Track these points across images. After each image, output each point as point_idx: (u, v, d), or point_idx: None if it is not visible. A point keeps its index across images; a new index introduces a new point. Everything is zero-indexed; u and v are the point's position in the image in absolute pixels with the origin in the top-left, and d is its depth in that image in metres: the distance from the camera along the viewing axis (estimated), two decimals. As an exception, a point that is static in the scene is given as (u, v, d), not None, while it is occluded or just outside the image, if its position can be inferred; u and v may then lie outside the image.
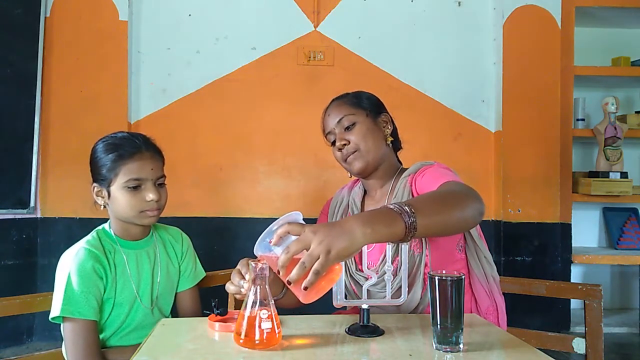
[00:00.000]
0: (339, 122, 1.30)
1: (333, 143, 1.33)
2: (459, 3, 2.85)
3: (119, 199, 1.20)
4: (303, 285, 0.85)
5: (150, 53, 2.73)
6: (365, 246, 0.91)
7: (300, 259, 0.84)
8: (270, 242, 0.90)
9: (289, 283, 0.86)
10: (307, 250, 0.83)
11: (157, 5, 2.73)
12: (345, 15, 2.79)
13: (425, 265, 1.19)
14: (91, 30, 2.65)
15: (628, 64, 2.91)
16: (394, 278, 1.13)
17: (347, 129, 1.29)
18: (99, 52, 2.64)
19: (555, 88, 2.78)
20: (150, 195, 1.20)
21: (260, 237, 0.92)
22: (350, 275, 1.28)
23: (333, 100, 1.37)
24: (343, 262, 0.92)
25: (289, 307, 1.22)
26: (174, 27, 2.74)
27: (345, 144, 1.29)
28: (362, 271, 1.13)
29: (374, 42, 2.80)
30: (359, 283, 1.25)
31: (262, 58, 2.76)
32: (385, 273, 1.05)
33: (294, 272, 0.83)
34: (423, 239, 1.20)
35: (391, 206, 0.91)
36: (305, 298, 0.89)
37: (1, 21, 2.48)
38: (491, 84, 2.84)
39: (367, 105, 1.33)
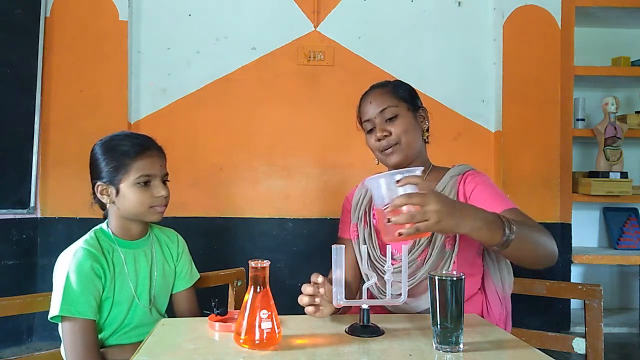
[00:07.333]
0: (381, 112, 1.29)
1: (370, 131, 1.32)
2: (459, 3, 2.85)
3: (128, 196, 1.21)
4: (402, 233, 0.92)
5: (150, 53, 2.73)
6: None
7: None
8: (397, 182, 0.95)
9: (388, 221, 0.92)
10: (422, 207, 0.90)
11: (157, 5, 2.73)
12: (345, 15, 2.78)
13: (453, 263, 1.19)
14: (91, 30, 2.64)
15: (628, 64, 2.91)
16: (418, 269, 1.18)
17: (389, 120, 1.29)
18: (99, 52, 2.64)
19: (555, 88, 2.78)
20: (161, 192, 1.24)
21: (377, 175, 0.98)
22: (372, 260, 1.27)
23: (373, 87, 1.36)
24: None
25: None
26: (174, 27, 2.74)
27: (386, 135, 1.28)
28: (385, 256, 1.16)
29: (374, 42, 2.80)
30: (380, 265, 1.24)
31: (262, 58, 2.76)
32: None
33: (402, 217, 0.91)
34: (456, 237, 1.20)
35: (501, 217, 1.00)
36: (389, 238, 0.96)
37: (1, 21, 2.48)
38: (491, 84, 2.83)
39: (407, 98, 1.32)
